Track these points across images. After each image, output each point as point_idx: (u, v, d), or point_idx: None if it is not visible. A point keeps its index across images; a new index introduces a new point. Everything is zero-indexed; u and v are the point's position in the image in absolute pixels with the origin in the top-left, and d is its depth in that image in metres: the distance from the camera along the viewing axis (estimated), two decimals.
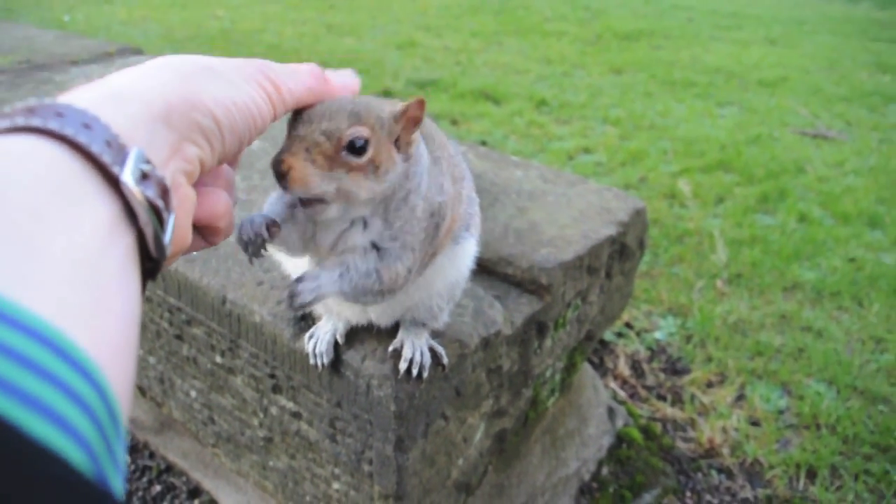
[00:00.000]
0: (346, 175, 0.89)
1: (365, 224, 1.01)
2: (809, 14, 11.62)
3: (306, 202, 0.92)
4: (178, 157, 0.63)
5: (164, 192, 0.57)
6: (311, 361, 1.32)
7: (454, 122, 5.59)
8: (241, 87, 0.70)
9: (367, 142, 0.89)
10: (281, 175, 0.86)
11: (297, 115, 0.88)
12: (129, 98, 0.60)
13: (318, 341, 1.32)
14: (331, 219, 0.97)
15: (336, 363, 1.32)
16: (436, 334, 1.32)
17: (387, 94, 6.13)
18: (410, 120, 0.93)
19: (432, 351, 1.28)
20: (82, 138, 0.52)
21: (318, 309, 1.34)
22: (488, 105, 6.00)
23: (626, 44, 8.64)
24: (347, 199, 0.93)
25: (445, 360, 1.29)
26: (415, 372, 1.24)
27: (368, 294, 1.05)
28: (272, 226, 0.96)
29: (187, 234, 0.66)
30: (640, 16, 10.55)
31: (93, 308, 0.46)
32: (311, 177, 0.87)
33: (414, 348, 1.26)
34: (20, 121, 0.51)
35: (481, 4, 10.66)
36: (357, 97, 0.91)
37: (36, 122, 0.51)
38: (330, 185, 0.89)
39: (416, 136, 0.96)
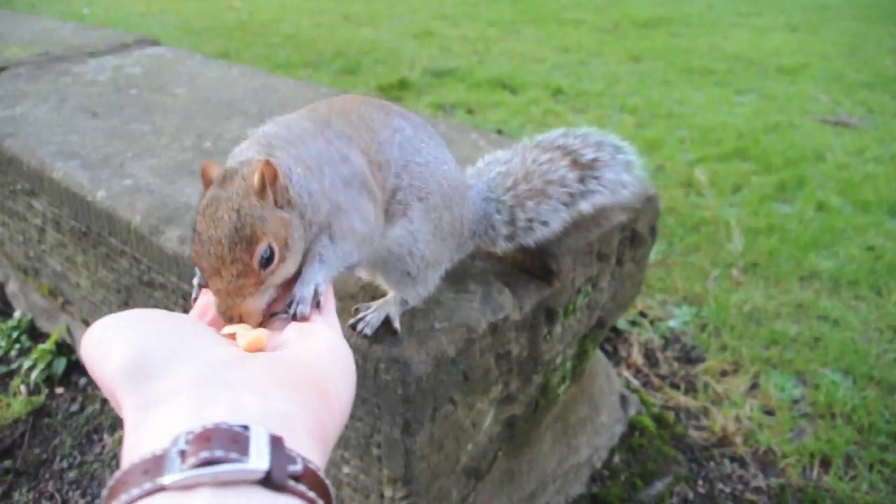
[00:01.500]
0: (273, 275, 0.92)
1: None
2: None
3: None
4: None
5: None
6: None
7: (470, 112, 5.58)
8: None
9: (270, 249, 0.90)
10: (236, 320, 0.88)
11: (200, 268, 0.90)
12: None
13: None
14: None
15: None
16: (443, 318, 1.33)
17: (404, 84, 6.13)
18: (269, 183, 0.90)
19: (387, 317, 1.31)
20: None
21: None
22: (505, 94, 5.99)
23: (644, 31, 8.56)
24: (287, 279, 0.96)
25: (397, 325, 1.30)
26: (359, 328, 1.29)
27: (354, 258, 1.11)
28: None
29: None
30: (658, 3, 10.44)
31: None
32: (256, 305, 0.90)
33: (371, 309, 1.32)
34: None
35: None
36: (222, 195, 0.90)
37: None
38: (269, 293, 0.93)
39: (281, 183, 0.93)
